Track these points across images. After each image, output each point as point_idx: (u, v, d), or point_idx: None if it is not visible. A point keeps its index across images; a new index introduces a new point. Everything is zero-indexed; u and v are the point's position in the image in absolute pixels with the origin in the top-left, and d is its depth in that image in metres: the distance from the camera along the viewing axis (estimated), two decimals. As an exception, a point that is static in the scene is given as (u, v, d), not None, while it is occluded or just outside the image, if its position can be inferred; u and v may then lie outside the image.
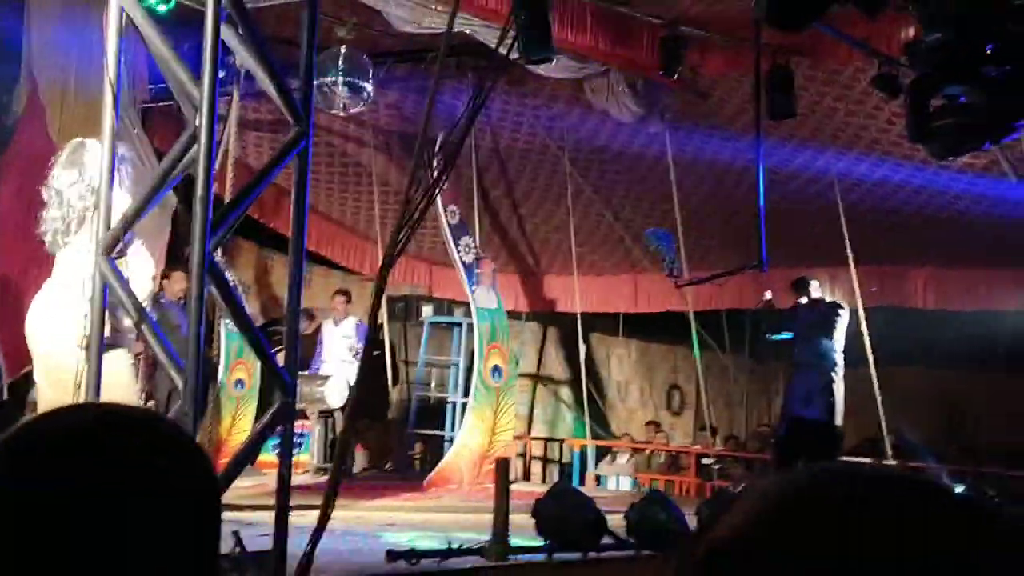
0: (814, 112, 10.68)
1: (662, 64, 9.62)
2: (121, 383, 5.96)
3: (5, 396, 9.21)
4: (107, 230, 4.88)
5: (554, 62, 9.07)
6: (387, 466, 12.99)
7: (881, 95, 9.65)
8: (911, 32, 8.86)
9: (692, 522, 6.88)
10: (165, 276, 9.64)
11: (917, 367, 15.39)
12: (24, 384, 9.32)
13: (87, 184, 5.98)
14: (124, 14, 4.85)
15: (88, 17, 8.21)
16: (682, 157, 11.96)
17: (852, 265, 11.12)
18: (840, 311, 10.14)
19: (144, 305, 5.48)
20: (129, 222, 4.84)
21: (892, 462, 11.23)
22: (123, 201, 5.26)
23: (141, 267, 6.54)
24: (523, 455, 15.53)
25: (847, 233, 11.10)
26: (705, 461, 13.90)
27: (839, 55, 9.54)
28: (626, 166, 12.86)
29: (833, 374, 9.93)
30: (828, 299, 10.38)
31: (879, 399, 10.75)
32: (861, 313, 11.10)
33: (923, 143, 9.46)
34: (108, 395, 5.46)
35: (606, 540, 6.42)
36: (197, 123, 4.45)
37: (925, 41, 8.40)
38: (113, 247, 4.80)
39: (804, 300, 10.20)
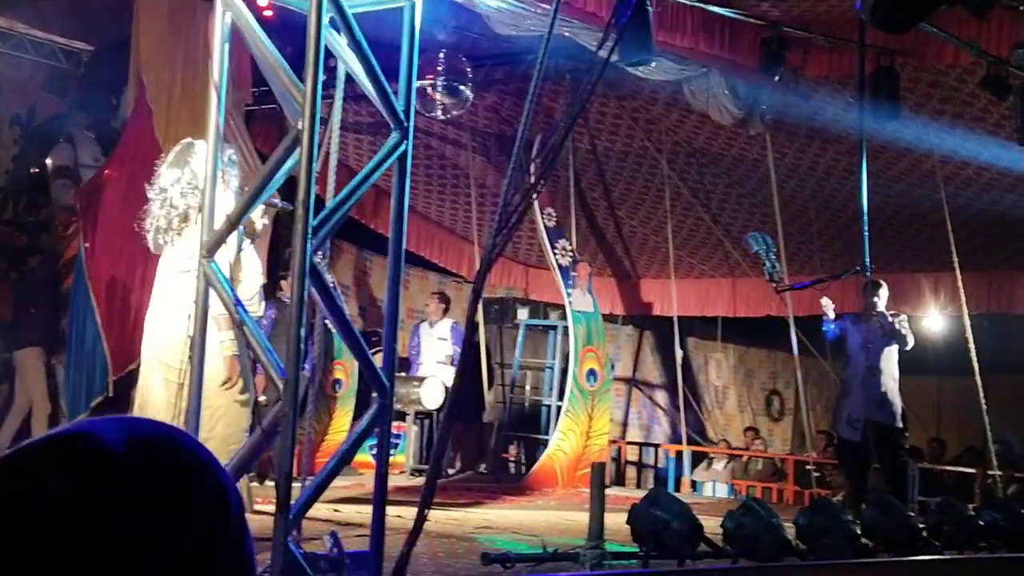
0: (919, 114, 10.47)
1: (763, 65, 9.51)
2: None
3: (111, 393, 9.40)
4: (211, 232, 4.94)
5: (653, 64, 9.00)
6: (482, 468, 13.01)
7: (990, 97, 9.43)
8: (1022, 32, 8.67)
9: (791, 531, 6.76)
10: (283, 276, 9.79)
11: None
12: (129, 381, 9.51)
13: (189, 183, 6.06)
14: (229, 18, 4.92)
15: (194, 21, 8.37)
16: (783, 159, 11.81)
17: (958, 270, 10.86)
18: (900, 316, 10.01)
19: (253, 303, 5.54)
20: (233, 224, 4.89)
21: (997, 472, 10.99)
22: (229, 203, 5.31)
23: (253, 268, 6.64)
24: (617, 459, 15.46)
25: (953, 237, 10.84)
26: (807, 467, 13.68)
27: (945, 56, 9.34)
28: (725, 169, 12.74)
29: (896, 380, 9.83)
30: (889, 310, 10.13)
31: (984, 408, 10.50)
32: (967, 320, 10.85)
33: (1034, 146, 9.29)
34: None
35: (702, 548, 6.34)
36: (299, 126, 4.49)
37: (1037, 41, 8.23)
38: (216, 249, 4.85)
39: (876, 301, 10.00)
